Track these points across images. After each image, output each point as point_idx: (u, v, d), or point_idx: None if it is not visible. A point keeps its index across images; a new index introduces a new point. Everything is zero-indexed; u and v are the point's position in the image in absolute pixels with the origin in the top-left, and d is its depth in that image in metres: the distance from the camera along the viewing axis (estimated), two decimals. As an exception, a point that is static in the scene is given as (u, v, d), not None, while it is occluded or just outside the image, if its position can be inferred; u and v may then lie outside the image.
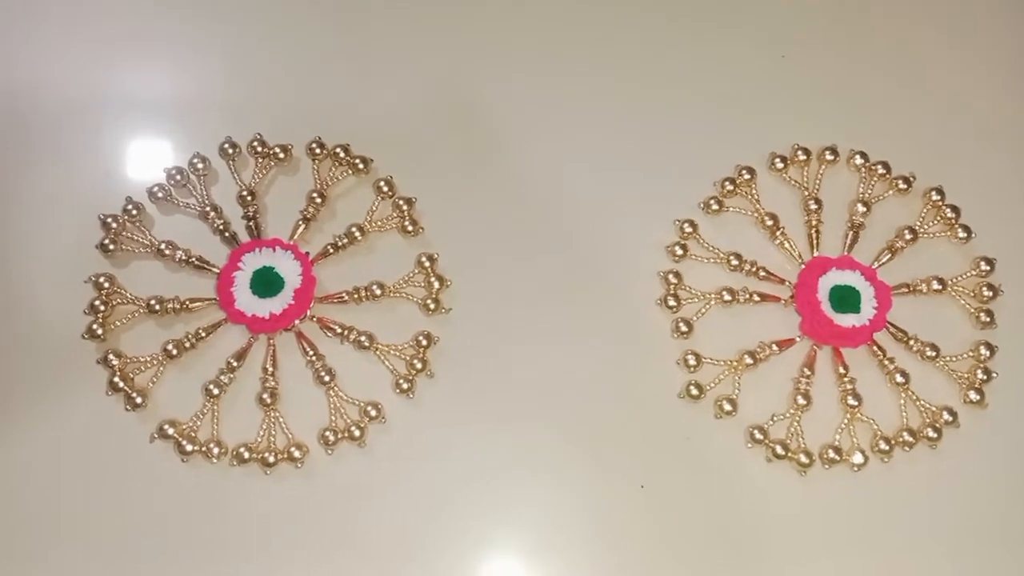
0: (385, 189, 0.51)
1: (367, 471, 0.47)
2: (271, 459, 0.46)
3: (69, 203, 0.51)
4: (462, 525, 0.46)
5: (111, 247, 0.50)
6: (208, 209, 0.50)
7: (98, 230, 0.50)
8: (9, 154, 0.52)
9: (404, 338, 0.49)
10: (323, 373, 0.48)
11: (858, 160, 0.53)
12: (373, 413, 0.47)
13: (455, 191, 0.52)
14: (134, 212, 0.50)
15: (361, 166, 0.52)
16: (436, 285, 0.50)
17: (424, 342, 0.49)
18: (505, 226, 0.51)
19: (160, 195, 0.51)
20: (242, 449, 0.46)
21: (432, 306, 0.49)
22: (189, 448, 0.46)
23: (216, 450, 0.46)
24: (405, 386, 0.48)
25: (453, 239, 0.51)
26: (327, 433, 0.47)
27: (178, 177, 0.51)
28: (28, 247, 0.50)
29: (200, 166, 0.51)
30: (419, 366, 0.48)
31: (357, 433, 0.47)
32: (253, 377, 0.48)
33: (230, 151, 0.52)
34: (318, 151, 0.52)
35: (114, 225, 0.50)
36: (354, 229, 0.50)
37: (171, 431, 0.46)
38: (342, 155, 0.52)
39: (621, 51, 0.55)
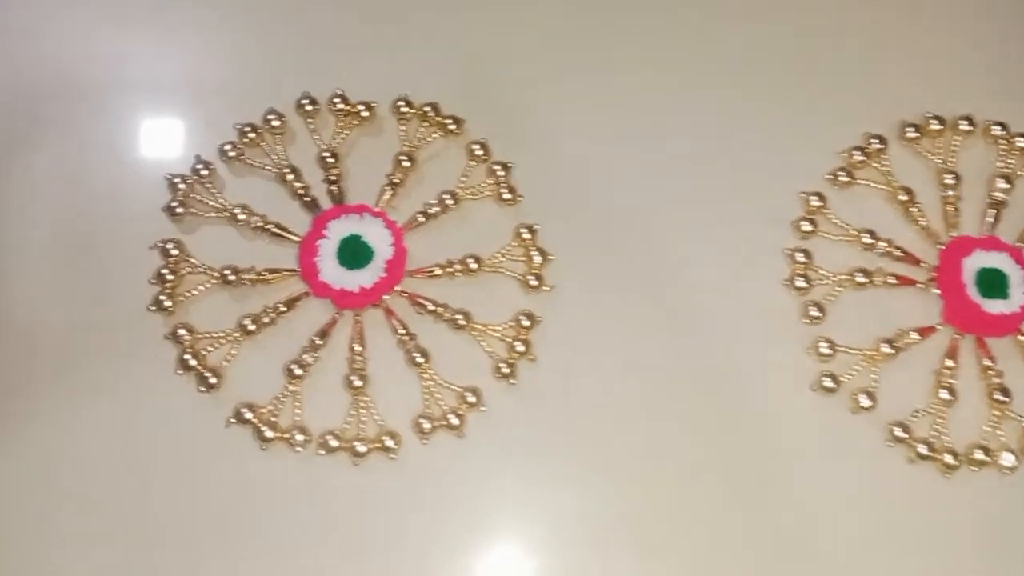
0: (479, 152, 0.46)
1: (465, 463, 0.42)
2: (361, 448, 0.41)
3: (133, 163, 0.46)
4: (571, 524, 0.42)
5: (179, 210, 0.45)
6: (286, 171, 0.46)
7: (164, 192, 0.45)
8: (70, 111, 0.47)
9: (503, 317, 0.44)
10: (416, 354, 0.43)
11: (996, 131, 0.48)
12: (472, 399, 0.43)
13: (554, 157, 0.47)
14: (204, 172, 0.45)
15: (452, 127, 0.47)
16: (537, 259, 0.45)
17: (526, 322, 0.44)
18: (615, 194, 0.46)
19: (232, 154, 0.46)
20: (329, 437, 0.42)
21: (533, 282, 0.44)
22: (270, 434, 0.42)
23: (300, 437, 0.42)
24: (506, 370, 0.43)
25: (554, 209, 0.46)
26: (421, 421, 0.42)
27: (252, 135, 0.46)
28: (90, 209, 0.45)
29: (276, 123, 0.46)
30: (521, 348, 0.43)
31: (455, 421, 0.42)
32: (338, 357, 0.43)
33: (308, 108, 0.47)
34: (405, 110, 0.47)
35: (182, 186, 0.45)
36: (446, 196, 0.46)
37: (249, 415, 0.42)
38: (431, 114, 0.47)
39: (741, 7, 0.50)
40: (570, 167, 0.47)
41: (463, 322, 0.44)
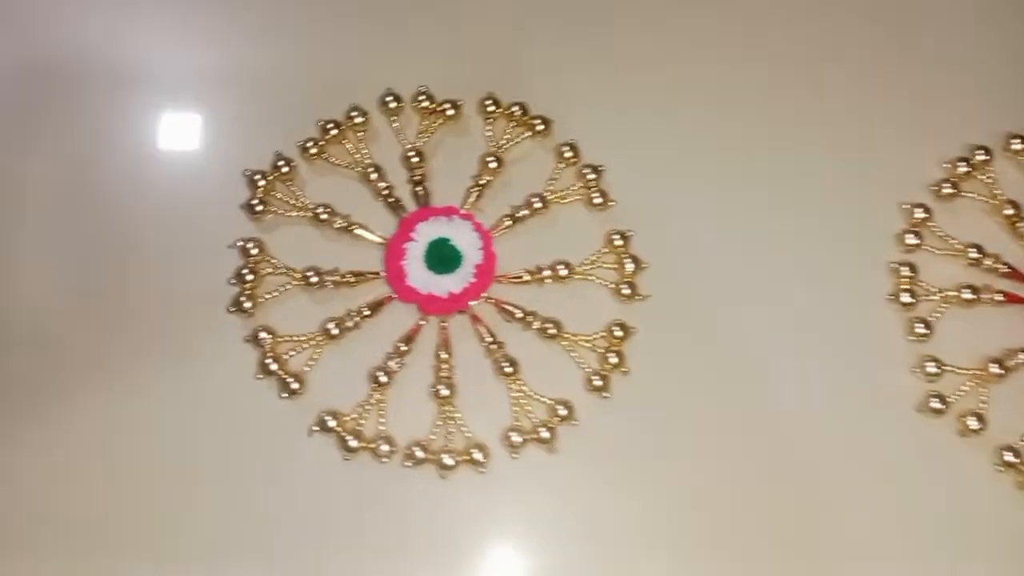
0: (568, 155, 0.45)
1: (556, 478, 0.40)
2: (449, 461, 0.40)
3: (210, 158, 0.45)
4: (665, 543, 0.40)
5: (259, 208, 0.43)
6: (370, 170, 0.44)
7: (243, 188, 0.44)
8: (149, 103, 0.45)
9: (594, 327, 0.42)
10: (504, 363, 0.41)
11: (1105, 146, 0.46)
12: (563, 412, 0.41)
13: (648, 159, 0.45)
14: (285, 169, 0.44)
15: (540, 127, 0.45)
16: (630, 267, 0.43)
17: (619, 333, 0.42)
18: (711, 200, 0.44)
19: (313, 151, 0.44)
20: (416, 448, 0.40)
21: (626, 291, 0.43)
22: (354, 444, 0.40)
23: (385, 448, 0.40)
24: (598, 383, 0.41)
25: (649, 214, 0.44)
26: (511, 434, 0.40)
27: (334, 132, 0.44)
28: (167, 206, 0.43)
29: (359, 120, 0.45)
30: (614, 360, 0.42)
31: (546, 435, 0.40)
32: (423, 364, 0.42)
33: (392, 105, 0.45)
34: (491, 109, 0.45)
35: (262, 183, 0.43)
36: (534, 199, 0.44)
37: (332, 423, 0.40)
38: (518, 114, 0.45)
39: (842, 17, 0.48)
40: (663, 173, 0.45)
41: (553, 331, 0.42)
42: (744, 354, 0.42)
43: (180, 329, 0.42)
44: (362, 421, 0.40)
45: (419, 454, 0.40)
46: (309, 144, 0.44)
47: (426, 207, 0.43)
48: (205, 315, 0.42)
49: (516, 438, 0.40)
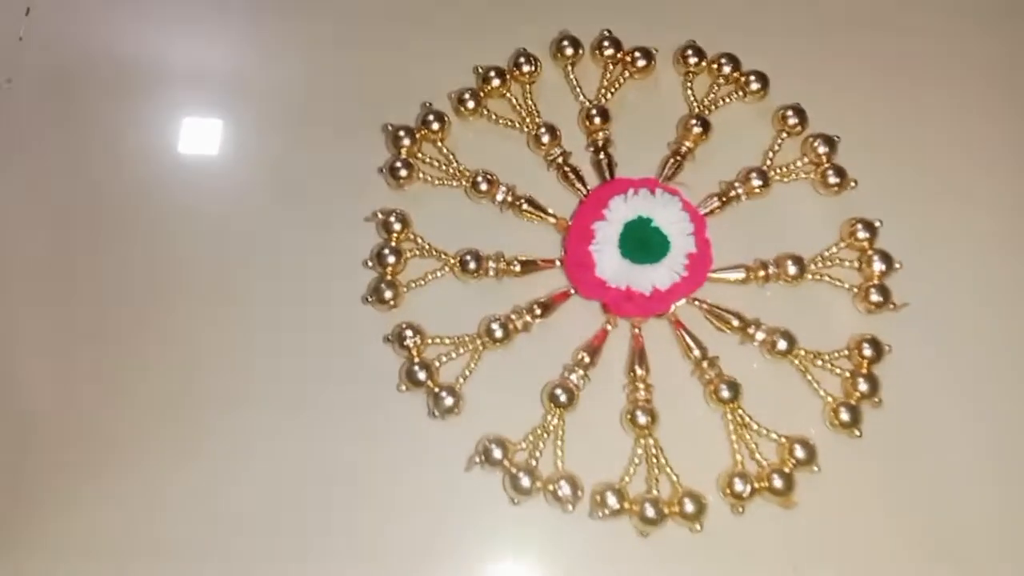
0: (793, 121, 0.35)
1: (795, 541, 0.30)
2: (651, 513, 0.30)
3: (345, 107, 0.36)
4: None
5: (403, 173, 0.34)
6: (541, 130, 0.34)
7: (383, 147, 0.34)
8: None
9: (835, 341, 0.32)
10: (721, 386, 0.31)
11: None
12: (801, 455, 0.31)
13: (894, 131, 0.35)
14: (435, 126, 0.34)
15: (755, 86, 0.35)
16: (879, 266, 0.33)
17: (868, 351, 0.32)
18: (979, 184, 0.34)
19: (471, 104, 0.35)
20: (608, 494, 0.30)
21: (876, 298, 0.33)
22: (527, 483, 0.30)
23: (567, 490, 0.30)
24: (845, 417, 0.31)
25: (899, 201, 0.34)
26: (736, 481, 0.30)
27: (496, 82, 0.35)
28: (302, 160, 0.34)
29: (527, 69, 0.35)
30: (864, 388, 0.31)
31: (779, 484, 0.30)
32: (609, 381, 0.32)
33: (569, 52, 0.35)
34: (693, 60, 0.35)
35: (407, 141, 0.34)
36: (753, 175, 0.34)
37: (499, 454, 0.30)
38: (727, 68, 0.35)
39: None
40: (915, 148, 0.35)
41: (784, 346, 0.32)
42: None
43: (301, 319, 0.32)
44: (536, 453, 0.31)
45: (612, 501, 0.30)
46: (466, 95, 0.35)
47: (620, 179, 0.34)
48: (335, 305, 0.32)
49: (740, 486, 0.30)
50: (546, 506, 0.30)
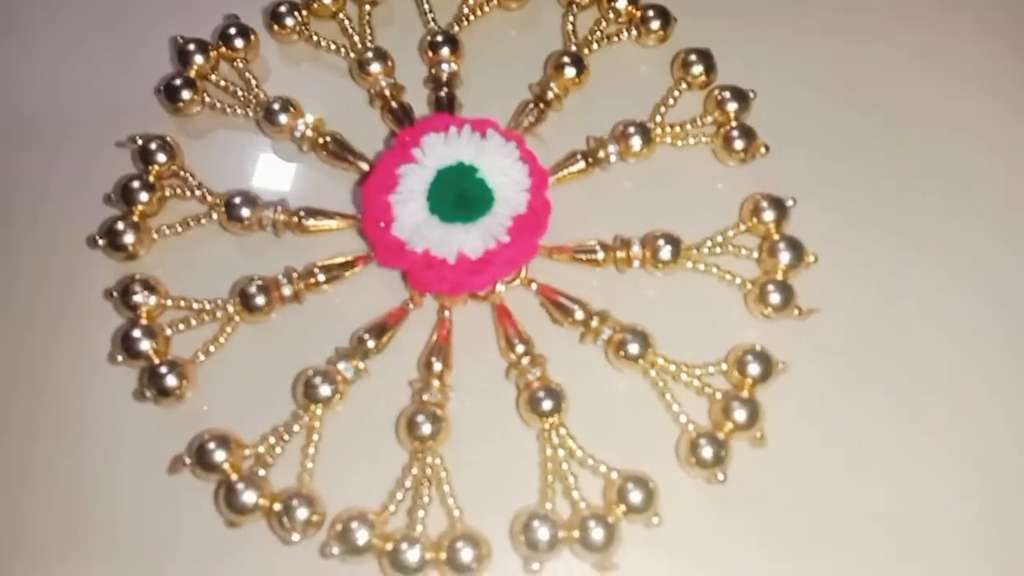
0: (697, 70, 0.27)
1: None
2: (410, 559, 0.21)
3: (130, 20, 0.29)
4: None
5: (184, 94, 0.26)
6: (368, 55, 0.27)
7: (167, 61, 0.28)
8: None
9: (712, 351, 0.24)
10: (541, 394, 0.23)
11: None
12: (636, 499, 0.22)
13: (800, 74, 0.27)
14: (238, 41, 0.27)
15: (655, 25, 0.28)
16: (785, 256, 0.24)
17: (755, 367, 0.23)
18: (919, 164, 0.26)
19: (288, 21, 0.28)
20: (355, 525, 0.22)
21: (775, 299, 0.24)
22: (249, 499, 0.22)
23: (303, 514, 0.22)
24: (706, 453, 0.22)
25: (819, 177, 0.26)
26: (534, 526, 0.22)
27: (324, -3, 0.28)
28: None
29: (366, -18, 0.28)
30: (740, 416, 0.23)
31: (597, 537, 0.22)
32: (394, 377, 0.24)
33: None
34: (580, -10, 0.28)
35: (199, 59, 0.27)
36: (631, 131, 0.26)
37: (221, 456, 0.22)
38: (621, 2, 0.28)
39: None
40: (837, 113, 0.27)
41: (635, 349, 0.23)
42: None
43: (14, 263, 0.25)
44: (269, 460, 0.23)
45: (357, 536, 0.21)
46: (282, 9, 0.28)
47: (439, 114, 0.26)
48: (58, 248, 0.25)
49: (543, 533, 0.22)
50: (270, 537, 0.22)
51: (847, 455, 0.23)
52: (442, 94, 0.27)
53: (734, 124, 0.26)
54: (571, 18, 0.28)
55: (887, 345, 0.24)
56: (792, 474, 0.23)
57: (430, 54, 0.27)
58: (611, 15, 0.28)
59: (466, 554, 0.21)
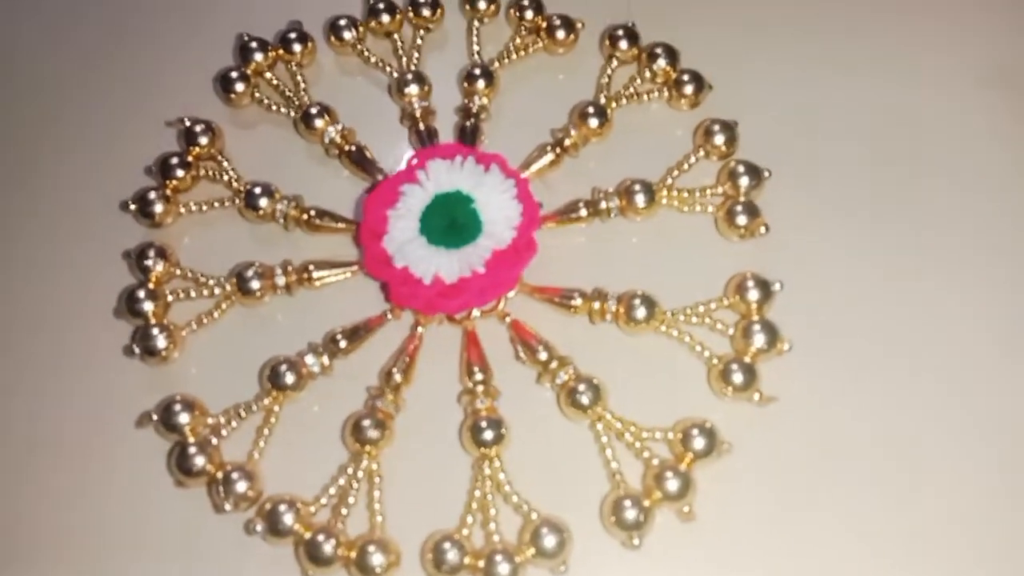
0: (718, 140, 0.27)
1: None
2: (326, 552, 0.22)
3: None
4: None
5: (238, 86, 0.29)
6: (408, 77, 0.29)
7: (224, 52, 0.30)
8: None
9: (667, 417, 0.24)
10: (484, 424, 0.24)
11: None
12: (548, 544, 0.22)
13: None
14: (296, 47, 0.29)
15: (689, 89, 0.28)
16: (758, 339, 0.24)
17: (699, 439, 0.23)
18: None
19: (347, 35, 0.30)
20: (283, 509, 0.23)
21: (737, 380, 0.24)
22: (198, 464, 0.24)
23: (243, 488, 0.23)
24: (628, 516, 0.23)
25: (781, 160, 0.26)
26: (445, 547, 0.22)
27: (384, 17, 0.30)
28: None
29: (426, 13, 0.30)
30: (672, 488, 0.23)
31: (503, 572, 0.22)
32: (359, 382, 0.25)
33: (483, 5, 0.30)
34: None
35: (258, 56, 0.29)
36: (636, 188, 0.26)
37: (185, 423, 0.24)
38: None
39: None
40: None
41: (586, 400, 0.24)
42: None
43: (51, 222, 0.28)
44: (223, 432, 0.24)
45: (285, 519, 0.23)
46: (342, 23, 0.30)
47: (450, 143, 0.27)
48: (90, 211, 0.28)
49: (451, 556, 0.22)
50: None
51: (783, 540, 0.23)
52: (467, 124, 0.28)
53: (742, 199, 0.26)
54: (609, 71, 0.29)
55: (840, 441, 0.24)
56: (716, 552, 0.23)
57: (466, 85, 0.29)
58: (648, 73, 0.29)
59: (376, 558, 0.22)
